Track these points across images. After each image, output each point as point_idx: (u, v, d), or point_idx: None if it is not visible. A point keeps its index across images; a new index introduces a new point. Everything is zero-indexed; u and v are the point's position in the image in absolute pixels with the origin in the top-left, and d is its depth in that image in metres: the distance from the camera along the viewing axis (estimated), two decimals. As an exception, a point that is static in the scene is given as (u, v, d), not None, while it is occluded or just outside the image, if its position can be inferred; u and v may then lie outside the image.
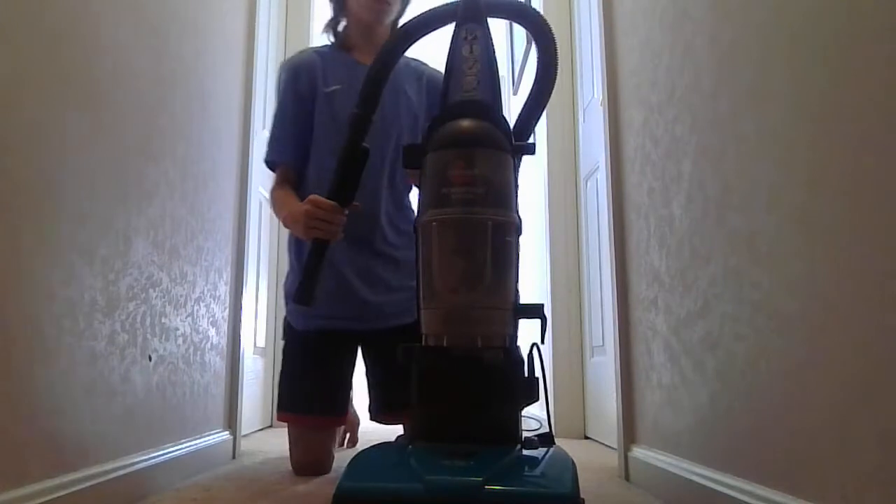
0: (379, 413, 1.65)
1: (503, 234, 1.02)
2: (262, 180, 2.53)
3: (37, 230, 0.91)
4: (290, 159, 1.63)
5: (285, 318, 1.70)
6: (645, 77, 1.44)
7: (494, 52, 1.12)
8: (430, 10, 1.16)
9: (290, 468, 1.59)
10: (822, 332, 0.78)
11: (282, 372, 1.68)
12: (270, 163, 1.66)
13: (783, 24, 0.88)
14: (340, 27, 1.69)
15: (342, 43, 1.68)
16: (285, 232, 2.78)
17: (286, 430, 1.63)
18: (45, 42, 0.94)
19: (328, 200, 1.31)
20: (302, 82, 1.62)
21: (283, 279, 2.76)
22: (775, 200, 0.89)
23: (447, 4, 1.14)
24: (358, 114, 1.20)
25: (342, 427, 1.95)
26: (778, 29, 0.89)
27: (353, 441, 2.08)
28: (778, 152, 0.88)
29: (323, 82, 1.62)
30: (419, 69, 1.69)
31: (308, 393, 1.61)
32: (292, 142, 1.62)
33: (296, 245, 1.67)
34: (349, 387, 1.72)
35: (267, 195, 2.62)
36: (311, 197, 1.34)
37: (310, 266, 1.32)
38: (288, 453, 1.59)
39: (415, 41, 1.18)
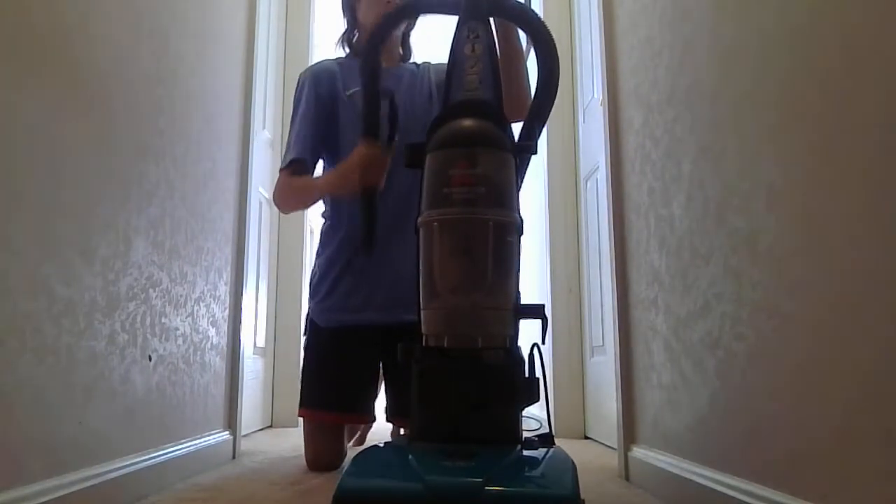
0: (395, 415, 1.68)
1: (504, 234, 1.02)
2: (262, 180, 2.53)
3: (37, 230, 0.91)
4: (309, 157, 1.65)
5: (308, 315, 1.73)
6: (645, 77, 1.44)
7: (496, 51, 1.12)
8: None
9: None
10: (822, 331, 0.78)
11: (302, 369, 1.73)
12: (293, 161, 1.63)
13: (783, 23, 0.88)
14: (355, 39, 1.78)
15: (357, 53, 1.74)
16: (285, 233, 2.82)
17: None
18: (46, 41, 0.94)
19: (374, 144, 1.34)
20: (323, 87, 1.67)
21: (282, 279, 2.79)
22: (775, 200, 0.89)
23: None
24: (364, 60, 1.22)
25: (363, 424, 1.95)
26: (778, 29, 0.89)
27: (361, 440, 2.09)
28: (778, 152, 0.88)
29: (343, 87, 1.67)
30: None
31: (325, 388, 1.64)
32: (312, 142, 1.65)
33: (325, 237, 1.72)
34: (371, 387, 1.73)
35: (267, 195, 2.63)
36: (359, 146, 1.37)
37: (369, 213, 1.35)
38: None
39: (410, 15, 1.21)
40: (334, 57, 1.79)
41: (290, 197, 1.66)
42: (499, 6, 1.16)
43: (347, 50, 1.78)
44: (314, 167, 1.68)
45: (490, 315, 1.00)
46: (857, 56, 0.72)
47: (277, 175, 1.68)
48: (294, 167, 1.62)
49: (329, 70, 1.70)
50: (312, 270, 1.76)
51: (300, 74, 1.75)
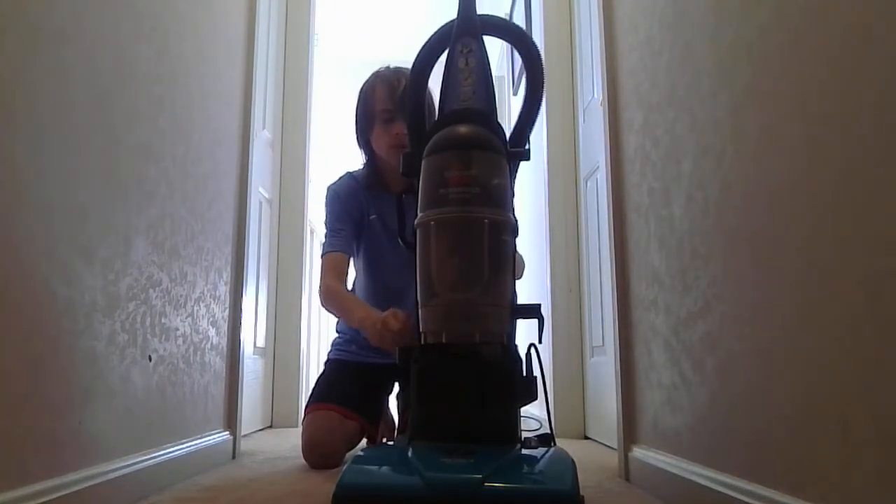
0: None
1: (500, 233, 1.03)
2: (262, 180, 2.53)
3: (37, 230, 0.91)
4: (349, 253, 1.82)
5: (329, 355, 1.91)
6: (645, 77, 1.44)
7: (489, 65, 1.16)
8: (428, 42, 1.23)
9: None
10: (823, 331, 0.78)
11: (314, 385, 1.84)
12: (333, 253, 1.80)
13: (783, 23, 0.88)
14: (368, 164, 1.88)
15: (379, 179, 1.84)
16: (286, 234, 2.82)
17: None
18: (46, 41, 0.94)
19: (402, 315, 1.43)
20: (351, 205, 1.83)
21: (282, 279, 2.79)
22: (775, 200, 0.89)
23: (440, 29, 1.21)
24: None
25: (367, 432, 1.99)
26: (778, 28, 0.89)
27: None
28: (778, 152, 0.89)
29: (367, 210, 1.84)
30: None
31: (331, 390, 1.76)
32: (349, 238, 1.83)
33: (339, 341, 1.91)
34: (379, 396, 1.87)
35: (268, 195, 2.64)
36: (393, 315, 1.46)
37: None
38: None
39: (429, 73, 1.24)
40: (354, 170, 1.91)
41: (333, 307, 1.80)
42: (489, 24, 1.23)
43: (369, 170, 1.86)
44: (350, 255, 1.84)
45: (487, 311, 1.01)
46: (857, 55, 0.72)
47: (321, 260, 1.82)
48: (336, 256, 1.79)
49: (355, 193, 1.84)
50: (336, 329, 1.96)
51: (328, 186, 1.88)
